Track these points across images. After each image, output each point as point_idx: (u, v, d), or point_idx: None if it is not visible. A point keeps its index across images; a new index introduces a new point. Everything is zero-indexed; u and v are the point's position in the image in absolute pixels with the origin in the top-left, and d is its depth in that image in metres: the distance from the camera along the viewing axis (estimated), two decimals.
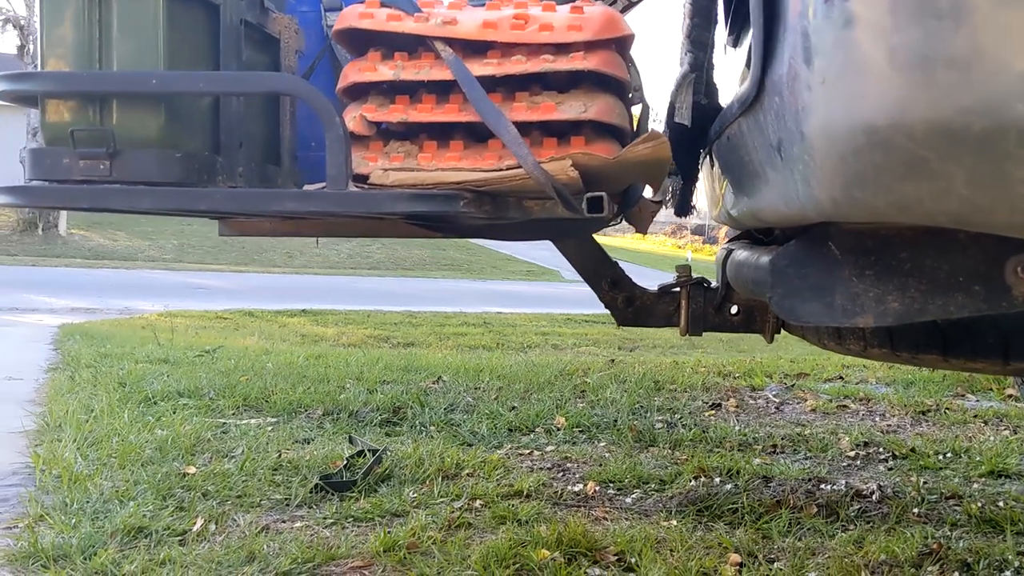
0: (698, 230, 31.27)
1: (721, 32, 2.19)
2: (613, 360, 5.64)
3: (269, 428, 3.40)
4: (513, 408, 3.82)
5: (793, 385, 4.65)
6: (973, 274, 1.29)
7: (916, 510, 2.54)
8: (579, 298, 13.90)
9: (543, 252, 21.20)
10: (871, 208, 1.03)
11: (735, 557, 2.16)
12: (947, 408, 3.96)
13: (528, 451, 3.20)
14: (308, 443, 3.21)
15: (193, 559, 2.09)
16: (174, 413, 3.57)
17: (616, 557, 2.15)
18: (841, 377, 4.93)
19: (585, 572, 2.05)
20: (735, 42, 2.28)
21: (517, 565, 2.08)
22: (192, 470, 2.77)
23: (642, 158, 1.43)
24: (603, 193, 1.44)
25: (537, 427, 3.53)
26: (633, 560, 2.13)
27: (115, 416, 3.43)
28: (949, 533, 2.35)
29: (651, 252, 24.84)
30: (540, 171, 1.39)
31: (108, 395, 3.82)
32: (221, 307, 9.86)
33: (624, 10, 2.43)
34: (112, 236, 19.68)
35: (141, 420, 3.40)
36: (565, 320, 10.14)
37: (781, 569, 2.09)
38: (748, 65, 2.13)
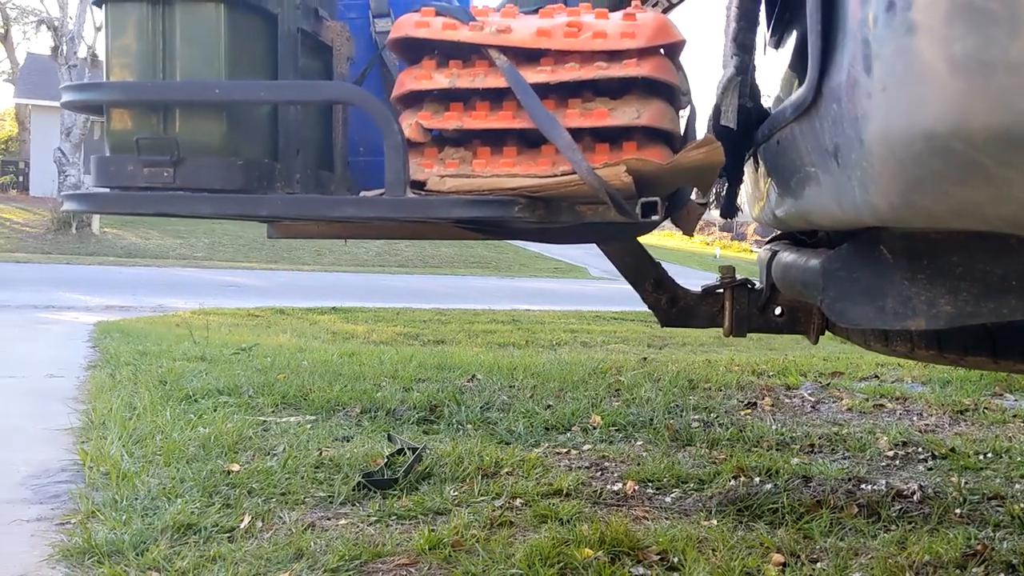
0: (726, 227, 31.13)
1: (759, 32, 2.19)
2: (646, 358, 5.64)
3: (308, 426, 3.44)
4: (548, 406, 3.84)
5: (828, 384, 4.64)
6: None
7: (958, 511, 2.53)
8: (607, 295, 13.90)
9: (571, 249, 21.19)
10: (930, 213, 1.04)
11: (777, 557, 2.17)
12: (985, 407, 3.94)
13: (565, 450, 3.22)
14: (347, 441, 3.24)
15: (242, 555, 2.13)
16: (215, 411, 3.62)
17: (659, 557, 2.17)
18: (876, 376, 4.91)
19: (629, 571, 2.07)
20: (777, 44, 2.28)
21: (561, 564, 2.10)
22: (236, 467, 2.81)
23: (696, 163, 1.45)
24: (658, 198, 1.45)
25: (573, 426, 3.55)
26: (676, 560, 2.14)
27: (157, 414, 3.49)
28: (992, 534, 2.34)
29: (679, 248, 24.77)
30: (594, 177, 1.41)
31: (150, 393, 3.88)
32: (252, 304, 9.95)
33: (665, 11, 2.44)
34: (144, 234, 19.90)
35: (183, 418, 3.45)
36: (594, 317, 10.14)
37: (824, 569, 2.10)
38: (792, 67, 2.14)
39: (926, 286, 1.33)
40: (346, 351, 5.67)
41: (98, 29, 22.73)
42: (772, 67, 2.52)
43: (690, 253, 24.12)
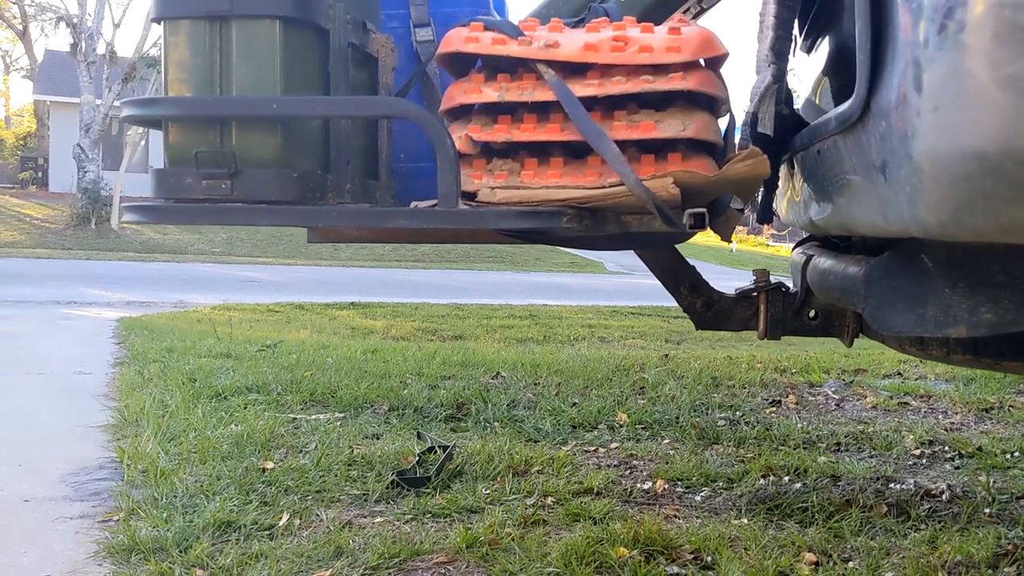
0: (742, 220, 31.06)
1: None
2: (667, 355, 5.67)
3: (338, 423, 3.48)
4: (574, 404, 3.88)
5: (852, 381, 4.65)
6: None
7: (987, 510, 2.55)
8: (623, 290, 13.90)
9: None
10: (979, 230, 1.07)
11: (810, 556, 2.19)
12: (1010, 405, 3.95)
13: (593, 448, 3.25)
14: (378, 439, 3.29)
15: (284, 553, 2.17)
16: (245, 408, 3.67)
17: (692, 556, 2.20)
18: (899, 373, 4.92)
19: (664, 571, 2.10)
20: (809, 48, 2.31)
21: (596, 563, 2.13)
22: (270, 465, 2.86)
23: (742, 175, 1.48)
24: (705, 210, 1.48)
25: (600, 424, 3.58)
26: (709, 559, 2.17)
27: (189, 411, 3.54)
28: (1023, 534, 2.36)
29: (695, 243, 24.71)
30: (643, 189, 1.44)
31: (180, 390, 3.93)
32: (271, 300, 10.03)
33: (696, 16, 2.47)
34: (163, 229, 20.02)
35: (215, 415, 3.50)
36: (611, 312, 10.15)
37: (856, 569, 2.13)
38: (825, 72, 2.16)
39: (967, 294, 1.36)
40: (369, 347, 5.72)
41: (116, 25, 22.85)
42: (802, 70, 2.54)
43: (706, 247, 24.09)
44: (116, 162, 22.58)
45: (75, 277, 11.99)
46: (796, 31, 2.15)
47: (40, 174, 29.27)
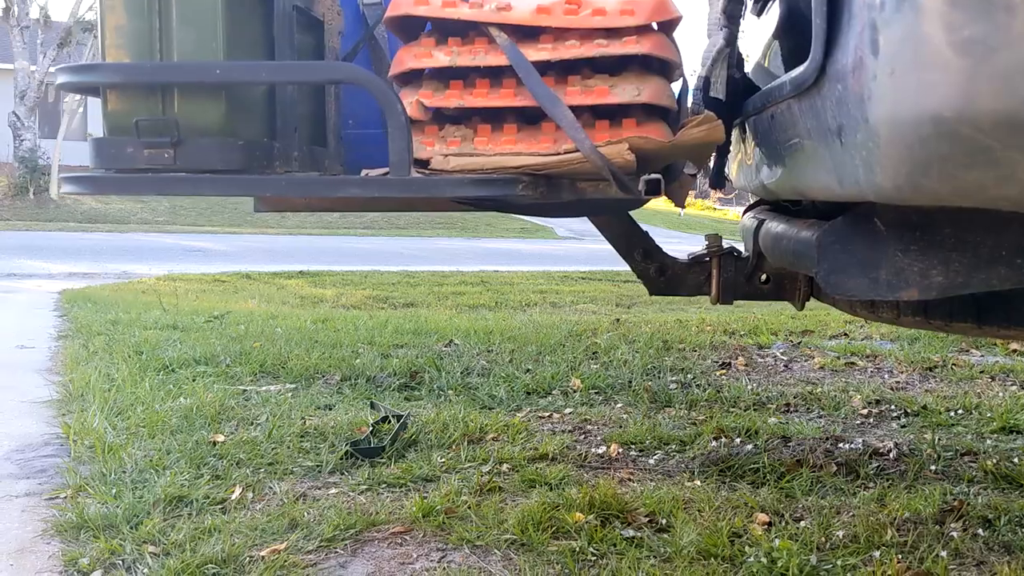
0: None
1: None
2: (619, 319, 5.69)
3: (289, 395, 3.44)
4: (528, 370, 3.88)
5: (799, 343, 4.72)
6: (1016, 248, 1.34)
7: (933, 467, 2.61)
8: (574, 255, 13.94)
9: None
10: (934, 194, 1.07)
11: (762, 517, 2.22)
12: (953, 364, 4.04)
13: (547, 414, 3.26)
14: (330, 409, 3.26)
15: (237, 527, 2.14)
16: (193, 381, 3.61)
17: (647, 518, 2.21)
18: (846, 334, 5.00)
19: (620, 534, 2.11)
20: (760, 12, 2.30)
21: (553, 528, 2.14)
22: (221, 438, 2.82)
23: (696, 141, 1.47)
24: (660, 176, 1.47)
25: (553, 389, 3.59)
26: (664, 521, 2.19)
27: (136, 385, 3.47)
28: (967, 490, 2.42)
29: (643, 208, 24.79)
30: (598, 155, 1.42)
31: (127, 363, 3.85)
32: (218, 270, 9.87)
33: None
34: (104, 199, 19.57)
35: (163, 388, 3.44)
36: (562, 277, 10.17)
37: (808, 528, 2.16)
38: (775, 35, 2.16)
39: (919, 257, 1.37)
40: (319, 317, 5.66)
41: None
42: (752, 33, 2.53)
43: (655, 212, 24.21)
44: (53, 130, 21.94)
45: (14, 249, 11.68)
46: None
47: None
